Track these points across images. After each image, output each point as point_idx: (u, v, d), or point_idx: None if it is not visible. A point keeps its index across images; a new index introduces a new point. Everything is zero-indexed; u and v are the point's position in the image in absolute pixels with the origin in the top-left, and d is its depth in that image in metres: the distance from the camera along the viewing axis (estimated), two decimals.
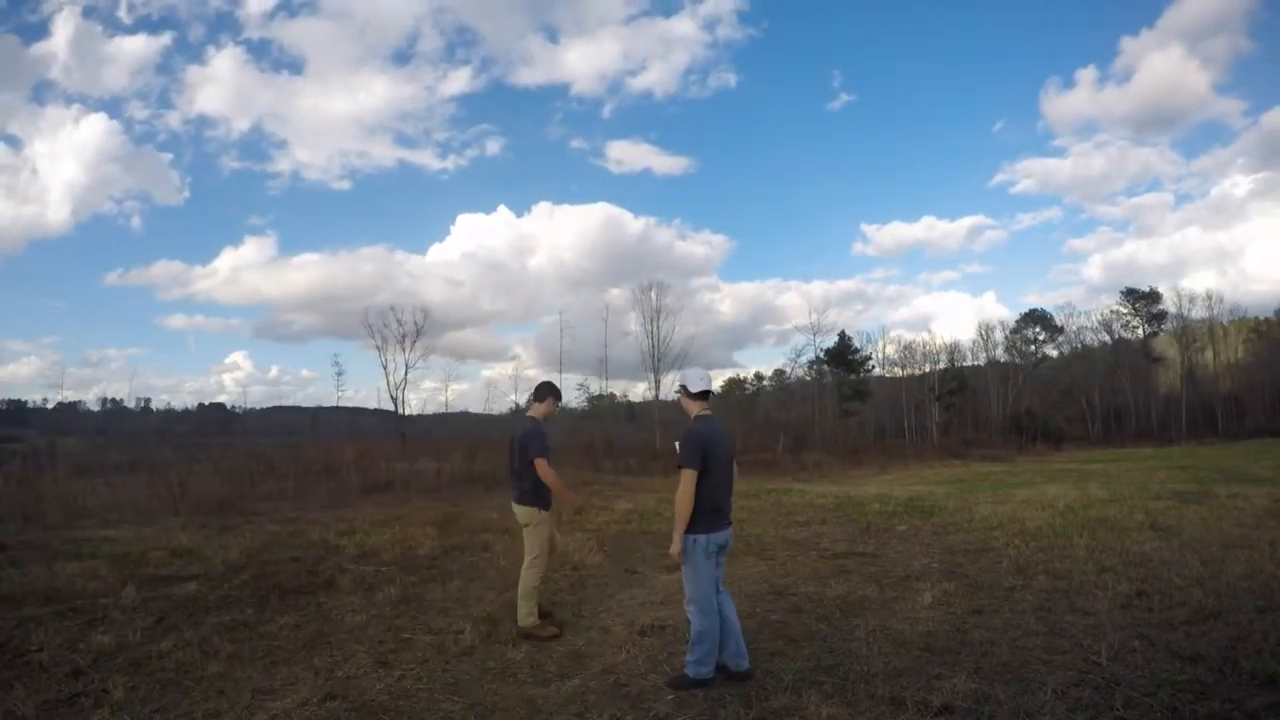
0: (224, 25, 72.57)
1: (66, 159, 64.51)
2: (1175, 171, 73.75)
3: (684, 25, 72.09)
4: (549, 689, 3.49)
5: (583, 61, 78.46)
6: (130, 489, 12.86)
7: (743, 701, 3.22)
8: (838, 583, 5.53)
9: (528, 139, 77.77)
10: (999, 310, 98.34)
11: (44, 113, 65.10)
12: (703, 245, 74.43)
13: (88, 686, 3.62)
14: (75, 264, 70.14)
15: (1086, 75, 78.66)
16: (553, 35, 74.09)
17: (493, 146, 77.13)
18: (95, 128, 65.90)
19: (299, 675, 3.75)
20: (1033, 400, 46.39)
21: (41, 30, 74.66)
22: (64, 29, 66.28)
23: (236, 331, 76.85)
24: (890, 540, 7.47)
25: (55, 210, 65.45)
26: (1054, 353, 52.97)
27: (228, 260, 75.85)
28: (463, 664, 3.89)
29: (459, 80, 76.22)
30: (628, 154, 78.02)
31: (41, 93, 70.63)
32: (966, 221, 79.78)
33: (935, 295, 76.36)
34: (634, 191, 76.46)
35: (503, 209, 75.80)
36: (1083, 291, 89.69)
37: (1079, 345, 52.12)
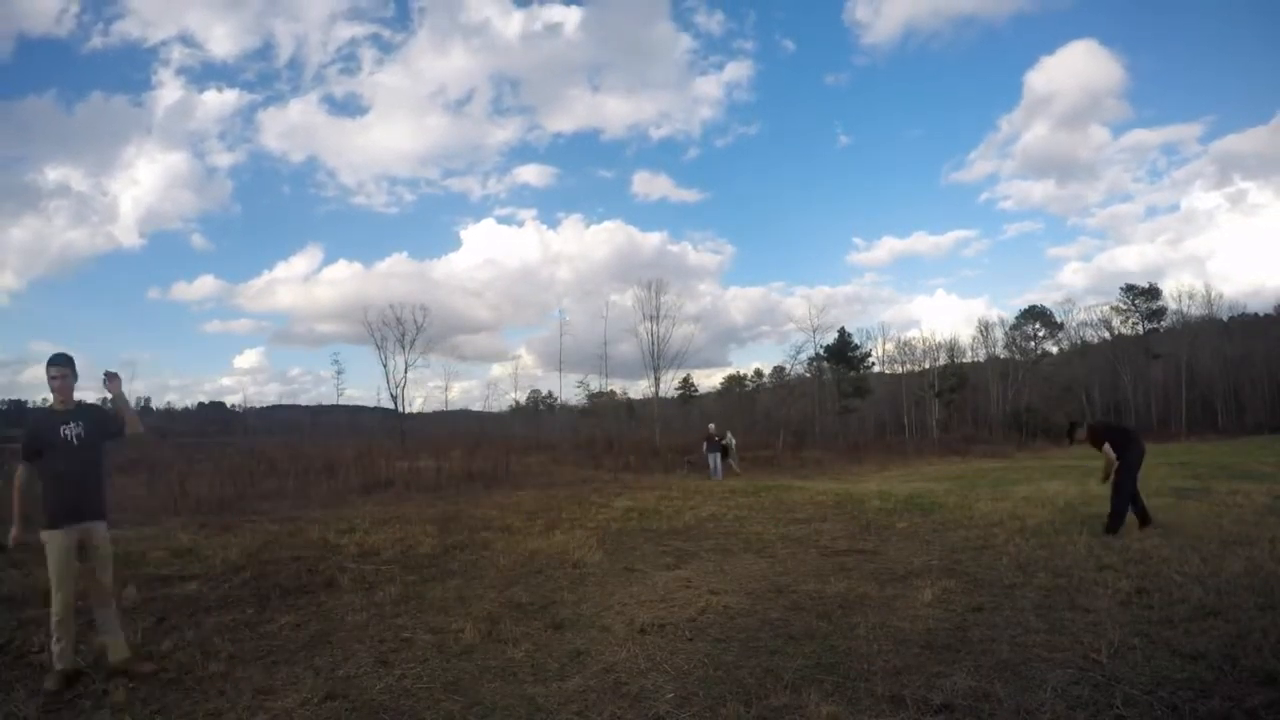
0: (313, 84, 75.89)
1: (141, 185, 69.43)
2: (1142, 188, 78.21)
3: (708, 85, 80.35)
4: (549, 688, 3.49)
5: (619, 114, 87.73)
6: (130, 489, 12.85)
7: (743, 700, 3.22)
8: (838, 580, 5.53)
9: (560, 168, 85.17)
10: (991, 313, 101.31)
11: (125, 145, 70.85)
12: (709, 255, 78.87)
13: (88, 687, 3.63)
14: (126, 278, 73.92)
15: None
16: (596, 89, 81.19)
17: (526, 175, 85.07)
18: (171, 160, 69.87)
19: (299, 675, 3.75)
20: (1033, 396, 46.37)
21: (143, 85, 78.94)
22: (166, 88, 70.65)
23: (263, 334, 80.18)
24: (890, 537, 7.47)
25: (122, 230, 69.19)
26: (1054, 349, 53.00)
27: (269, 276, 79.83)
28: (463, 663, 3.89)
29: (509, 128, 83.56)
30: (647, 185, 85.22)
31: (129, 132, 73.90)
32: (955, 234, 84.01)
33: (928, 299, 79.78)
34: (650, 214, 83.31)
35: (530, 223, 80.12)
36: (1063, 296, 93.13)
37: (1079, 341, 52.12)
